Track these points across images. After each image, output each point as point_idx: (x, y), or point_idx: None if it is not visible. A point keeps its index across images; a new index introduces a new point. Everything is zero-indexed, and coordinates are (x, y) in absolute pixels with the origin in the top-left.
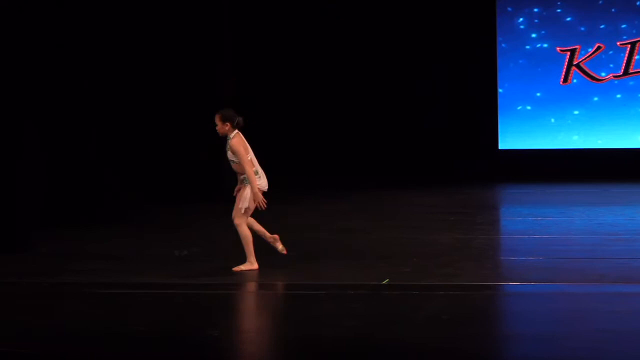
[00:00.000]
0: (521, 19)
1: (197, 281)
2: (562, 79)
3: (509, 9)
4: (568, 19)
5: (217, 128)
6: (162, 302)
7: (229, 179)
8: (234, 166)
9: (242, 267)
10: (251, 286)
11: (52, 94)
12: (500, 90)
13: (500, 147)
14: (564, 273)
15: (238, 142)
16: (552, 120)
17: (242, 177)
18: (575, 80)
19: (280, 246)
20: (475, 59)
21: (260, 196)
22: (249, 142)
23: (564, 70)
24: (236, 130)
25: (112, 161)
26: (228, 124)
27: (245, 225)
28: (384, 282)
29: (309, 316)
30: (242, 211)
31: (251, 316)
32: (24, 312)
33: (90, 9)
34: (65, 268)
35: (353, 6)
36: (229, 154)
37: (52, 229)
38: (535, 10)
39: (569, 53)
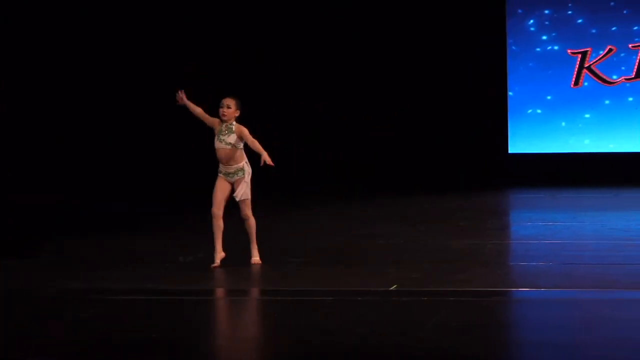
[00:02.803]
0: (532, 21)
1: (201, 287)
2: (573, 82)
3: (519, 10)
4: (579, 20)
5: (226, 111)
6: (164, 309)
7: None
8: (229, 152)
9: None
10: (256, 292)
11: (65, 102)
12: (510, 93)
13: (510, 151)
14: (576, 279)
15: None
16: (563, 123)
17: (233, 168)
18: (586, 83)
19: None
20: (485, 61)
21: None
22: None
23: (575, 73)
24: None
25: (119, 165)
26: (239, 111)
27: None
28: (392, 288)
29: (316, 323)
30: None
31: (256, 323)
32: (33, 319)
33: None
34: (72, 274)
35: (360, 10)
36: (231, 139)
37: (60, 234)
38: (546, 12)
39: (580, 55)
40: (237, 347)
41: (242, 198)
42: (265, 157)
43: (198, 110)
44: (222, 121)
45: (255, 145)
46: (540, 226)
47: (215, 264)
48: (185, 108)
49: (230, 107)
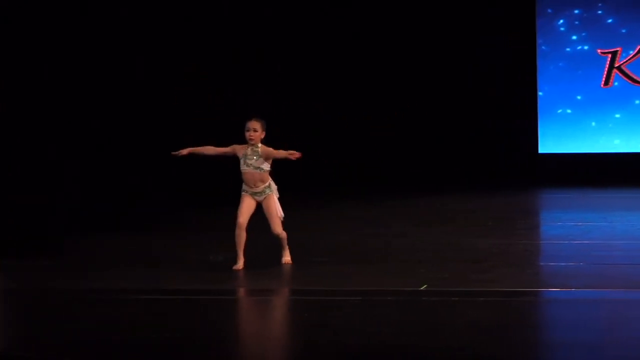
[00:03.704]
0: (561, 21)
1: (230, 287)
2: (603, 82)
3: (549, 10)
4: (609, 20)
5: (253, 134)
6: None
7: None
8: (257, 175)
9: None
10: (285, 292)
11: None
12: (540, 93)
13: (540, 151)
14: (606, 279)
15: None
16: (593, 123)
17: (261, 187)
18: (616, 83)
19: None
20: (515, 61)
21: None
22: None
23: (605, 72)
24: None
25: (142, 165)
26: (264, 132)
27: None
28: (422, 288)
29: (345, 323)
30: (281, 219)
31: (284, 323)
32: (52, 319)
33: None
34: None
35: (388, 10)
36: (258, 163)
37: (83, 234)
38: (576, 12)
39: (610, 55)
40: (261, 346)
41: (278, 216)
42: (290, 154)
43: (209, 151)
44: (249, 145)
45: (281, 154)
46: (570, 226)
47: (238, 266)
48: (193, 154)
49: (256, 131)
